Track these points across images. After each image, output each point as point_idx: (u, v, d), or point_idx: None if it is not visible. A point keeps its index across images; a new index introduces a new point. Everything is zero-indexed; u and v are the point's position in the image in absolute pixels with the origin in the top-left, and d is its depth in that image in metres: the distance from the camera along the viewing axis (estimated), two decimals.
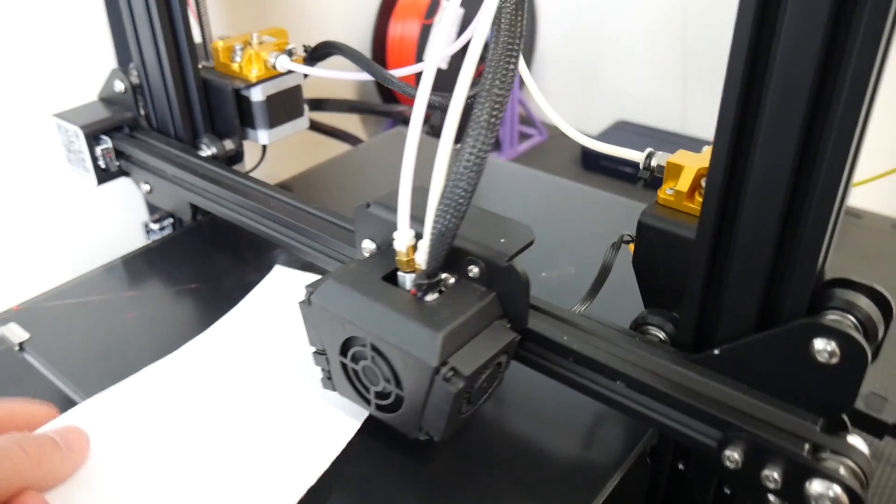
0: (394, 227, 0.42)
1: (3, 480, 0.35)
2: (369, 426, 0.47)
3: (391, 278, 0.44)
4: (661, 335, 0.45)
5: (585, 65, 1.72)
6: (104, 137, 0.72)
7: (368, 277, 0.44)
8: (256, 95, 0.70)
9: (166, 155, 0.69)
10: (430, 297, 0.42)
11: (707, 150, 0.46)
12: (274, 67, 0.70)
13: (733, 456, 0.37)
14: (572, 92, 1.77)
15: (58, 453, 0.39)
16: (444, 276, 0.44)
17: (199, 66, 0.71)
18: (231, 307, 0.58)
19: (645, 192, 0.49)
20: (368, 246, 0.48)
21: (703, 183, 0.44)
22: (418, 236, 0.42)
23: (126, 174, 0.75)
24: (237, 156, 0.74)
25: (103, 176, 0.74)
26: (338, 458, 0.45)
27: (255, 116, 0.72)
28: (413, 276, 0.43)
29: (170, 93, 0.71)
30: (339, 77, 0.68)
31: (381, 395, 0.44)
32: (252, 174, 0.69)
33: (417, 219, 0.41)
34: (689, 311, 0.41)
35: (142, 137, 0.73)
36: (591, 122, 1.77)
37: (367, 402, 0.45)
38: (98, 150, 0.72)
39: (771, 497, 0.37)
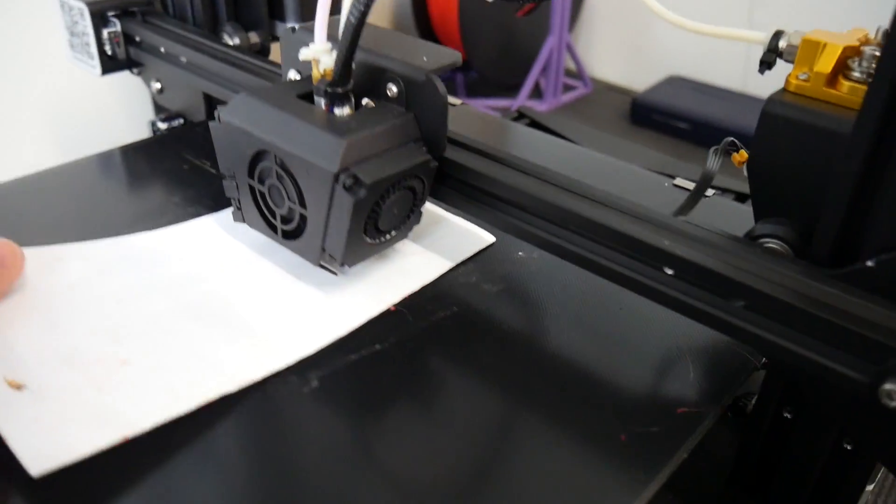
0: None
1: None
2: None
3: (308, 98, 0.42)
4: (785, 248, 0.36)
5: (637, 15, 1.60)
6: (113, 19, 0.63)
7: (283, 94, 0.42)
8: None
9: (183, 39, 0.60)
10: (344, 112, 0.40)
11: (852, 30, 0.38)
12: None
13: None
14: (622, 45, 1.66)
15: None
16: (365, 101, 0.42)
17: None
18: None
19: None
20: (294, 76, 0.46)
21: (850, 63, 0.36)
22: None
23: (135, 65, 0.67)
24: (263, 51, 0.66)
25: (109, 64, 0.65)
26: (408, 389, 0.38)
27: (285, 5, 0.63)
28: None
29: None
30: None
31: (286, 220, 0.42)
32: None
33: (336, 38, 0.39)
34: (832, 215, 0.33)
35: (156, 22, 0.64)
36: (640, 77, 1.65)
37: (274, 229, 0.43)
38: (105, 32, 0.63)
39: None
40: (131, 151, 0.60)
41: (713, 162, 0.41)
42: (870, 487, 0.41)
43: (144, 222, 0.49)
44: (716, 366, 0.40)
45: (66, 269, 0.42)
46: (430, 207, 0.51)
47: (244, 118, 0.41)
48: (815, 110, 0.35)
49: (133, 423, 0.33)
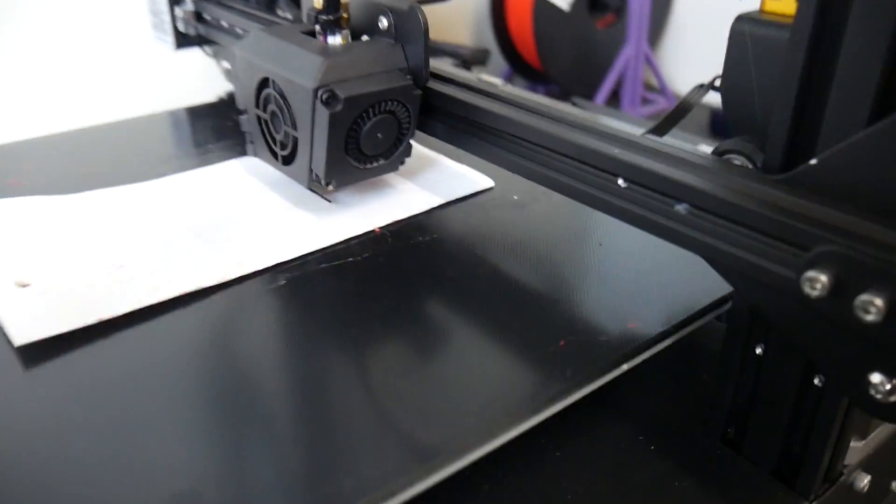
0: None
1: None
2: None
3: (313, 35, 0.45)
4: (746, 163, 0.35)
5: (726, 29, 1.55)
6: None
7: (289, 30, 0.46)
8: None
9: (239, 12, 0.66)
10: (336, 42, 0.44)
11: None
12: None
13: (818, 278, 0.27)
14: (709, 60, 1.61)
15: None
16: (364, 38, 0.45)
17: None
18: None
19: None
20: None
21: None
22: None
23: (206, 42, 0.73)
24: None
25: (182, 40, 0.72)
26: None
27: None
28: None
29: None
30: None
31: (284, 145, 0.46)
32: None
33: None
34: (779, 120, 0.32)
35: (222, 1, 0.70)
36: None
37: (276, 156, 0.47)
38: (179, 11, 0.70)
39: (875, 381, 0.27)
40: (191, 111, 0.66)
41: (696, 94, 0.41)
42: (858, 444, 0.38)
43: (183, 162, 0.54)
44: (682, 293, 0.39)
45: (90, 206, 0.47)
46: (432, 154, 0.52)
47: (253, 51, 0.45)
48: (776, 23, 0.35)
49: (111, 308, 0.36)
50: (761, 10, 0.36)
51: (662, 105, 1.54)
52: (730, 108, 0.37)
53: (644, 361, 0.36)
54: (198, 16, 0.71)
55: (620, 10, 1.22)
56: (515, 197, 0.48)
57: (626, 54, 1.31)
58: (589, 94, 1.60)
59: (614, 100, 1.52)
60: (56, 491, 0.27)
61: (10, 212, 0.45)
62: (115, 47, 0.87)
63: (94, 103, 0.87)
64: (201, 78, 0.87)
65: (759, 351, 0.36)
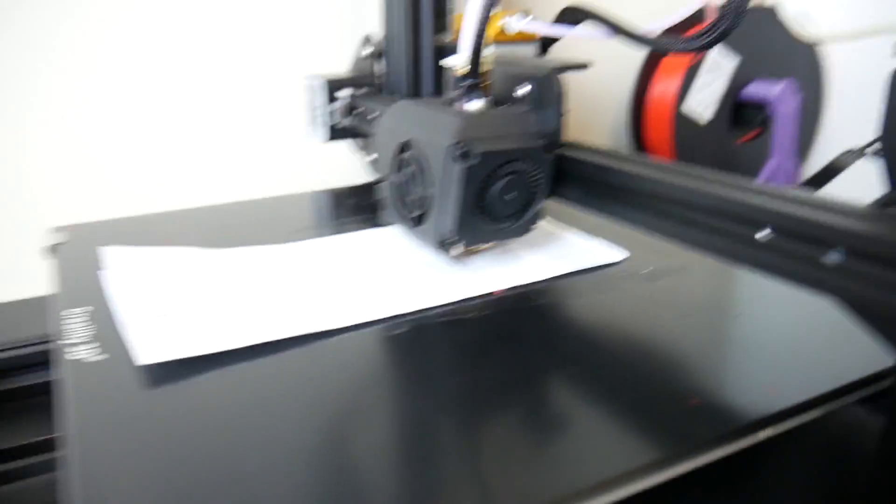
0: None
1: None
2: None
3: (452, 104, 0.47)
4: None
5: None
6: (341, 95, 0.75)
7: (431, 101, 0.50)
8: None
9: (384, 101, 0.70)
10: (475, 107, 0.44)
11: None
12: (503, 31, 0.68)
13: None
14: (861, 174, 1.52)
15: None
16: (504, 107, 0.46)
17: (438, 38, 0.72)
18: None
19: None
20: None
21: None
22: None
23: (353, 135, 0.78)
24: None
25: (332, 134, 0.77)
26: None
27: None
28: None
29: (405, 57, 0.72)
30: (577, 35, 0.64)
31: (416, 207, 0.46)
32: None
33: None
34: None
35: (372, 96, 0.75)
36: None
37: (406, 218, 0.48)
38: (335, 105, 0.75)
39: None
40: (332, 192, 0.70)
41: (847, 157, 0.38)
42: None
43: (321, 231, 0.57)
44: (827, 365, 0.34)
45: (228, 258, 0.50)
46: (563, 228, 0.52)
47: (395, 118, 0.47)
48: None
49: (233, 340, 0.37)
50: None
51: None
52: (892, 158, 0.34)
53: (785, 451, 0.32)
54: (350, 109, 0.76)
55: (766, 124, 1.19)
56: (649, 269, 0.46)
57: (770, 167, 1.26)
58: None
59: None
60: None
61: (158, 259, 0.48)
62: (273, 138, 0.95)
63: (246, 185, 0.95)
64: (346, 169, 0.92)
65: None
